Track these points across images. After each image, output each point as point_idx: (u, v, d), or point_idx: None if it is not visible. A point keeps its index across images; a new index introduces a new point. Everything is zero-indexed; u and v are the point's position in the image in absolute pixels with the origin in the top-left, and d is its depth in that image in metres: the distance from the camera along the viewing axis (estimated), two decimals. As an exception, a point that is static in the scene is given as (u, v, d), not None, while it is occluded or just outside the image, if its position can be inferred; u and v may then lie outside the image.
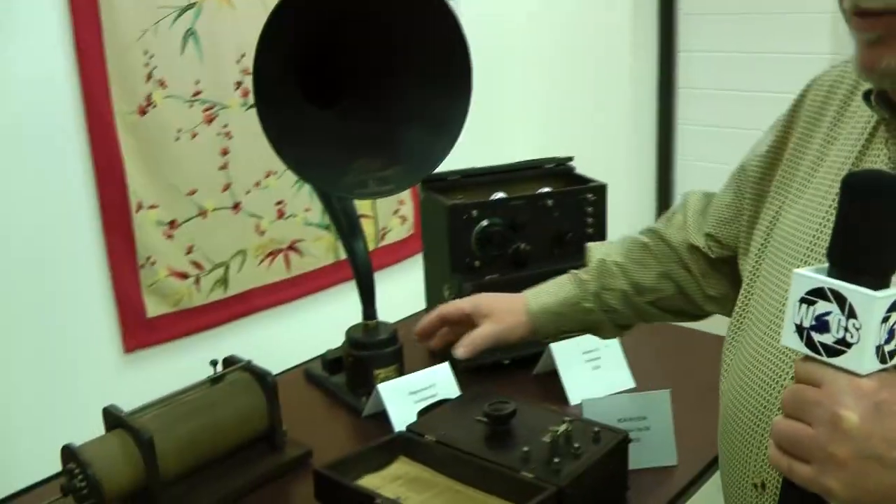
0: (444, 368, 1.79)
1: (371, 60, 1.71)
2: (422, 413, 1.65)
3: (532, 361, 1.89)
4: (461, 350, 1.44)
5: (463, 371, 1.84)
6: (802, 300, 0.77)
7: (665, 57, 3.87)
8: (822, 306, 0.75)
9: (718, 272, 1.39)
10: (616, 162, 3.83)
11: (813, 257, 1.00)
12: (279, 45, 1.50)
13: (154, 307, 3.26)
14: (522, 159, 2.16)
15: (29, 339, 2.99)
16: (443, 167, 1.96)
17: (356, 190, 1.69)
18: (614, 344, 1.84)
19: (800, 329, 0.77)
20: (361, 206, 3.92)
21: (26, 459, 3.06)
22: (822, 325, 0.75)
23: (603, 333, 1.51)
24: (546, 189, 1.98)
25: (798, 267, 0.95)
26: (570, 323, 1.46)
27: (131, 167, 3.07)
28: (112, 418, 1.46)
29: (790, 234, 1.05)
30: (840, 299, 0.74)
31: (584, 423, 1.44)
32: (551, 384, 1.80)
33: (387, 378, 1.83)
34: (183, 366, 3.51)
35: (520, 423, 1.44)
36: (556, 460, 1.31)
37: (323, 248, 3.82)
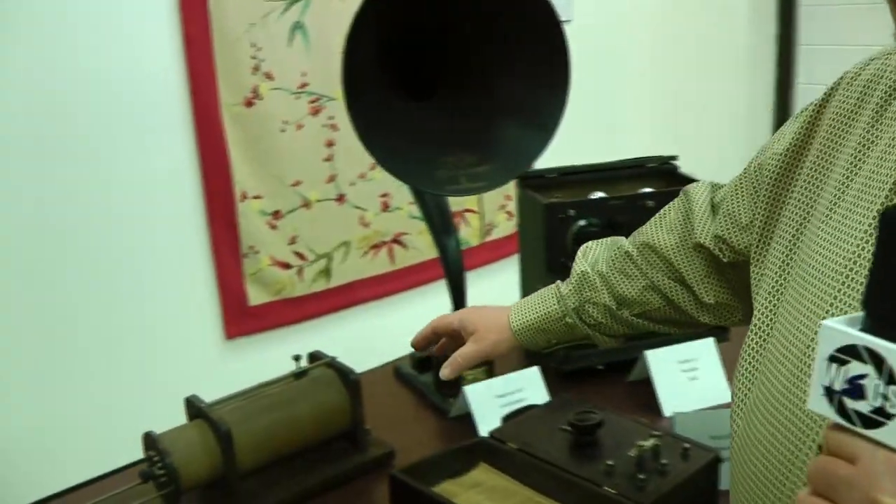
0: (534, 372, 1.74)
1: (468, 52, 1.67)
2: (507, 418, 1.60)
3: (627, 367, 1.81)
4: (445, 371, 1.45)
5: (554, 375, 1.78)
6: (832, 358, 0.64)
7: (784, 51, 3.70)
8: (855, 367, 0.63)
9: (722, 276, 1.24)
10: (727, 162, 3.67)
11: (847, 294, 0.83)
12: (371, 34, 1.47)
13: (256, 296, 3.31)
14: (626, 157, 2.08)
15: (134, 322, 3.07)
16: (540, 164, 1.90)
17: (447, 186, 1.65)
18: (713, 354, 1.75)
19: (829, 392, 0.65)
20: (467, 200, 3.89)
21: (125, 443, 3.14)
22: (856, 389, 0.63)
23: (597, 344, 1.42)
24: (647, 189, 1.90)
25: (829, 305, 0.82)
26: (557, 336, 1.40)
27: (236, 158, 3.11)
28: (193, 408, 1.46)
29: (820, 260, 0.88)
30: (878, 360, 0.61)
31: (673, 438, 1.37)
32: (644, 393, 1.73)
33: (475, 379, 1.79)
34: (283, 354, 3.53)
35: (606, 435, 1.38)
36: (642, 476, 1.24)
37: (427, 242, 3.80)
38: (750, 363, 0.98)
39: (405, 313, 3.85)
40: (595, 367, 1.85)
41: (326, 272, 3.50)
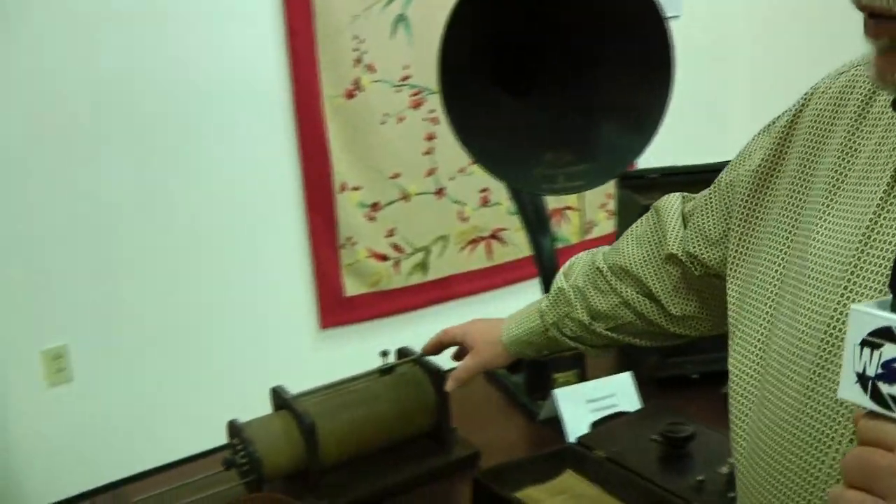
0: (626, 378, 1.69)
1: (569, 47, 1.63)
2: (596, 424, 1.56)
3: (722, 377, 1.74)
4: (449, 384, 1.47)
5: (647, 383, 1.73)
6: (864, 343, 0.63)
7: None
8: (890, 350, 0.61)
9: (690, 289, 1.22)
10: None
11: (854, 289, 0.82)
12: (469, 28, 1.45)
13: (352, 287, 3.32)
14: (730, 158, 2.00)
15: (229, 308, 3.11)
16: (642, 163, 1.85)
17: (544, 185, 1.61)
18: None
19: (863, 379, 0.63)
20: (568, 197, 3.83)
21: (214, 428, 3.19)
22: (891, 373, 0.61)
23: (588, 353, 1.41)
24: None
25: (837, 299, 0.81)
26: (545, 348, 1.39)
27: (336, 149, 3.13)
28: (279, 399, 1.46)
29: (820, 261, 0.87)
30: None
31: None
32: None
33: (566, 383, 1.75)
34: (377, 346, 3.53)
35: (697, 448, 1.33)
36: (732, 495, 1.19)
37: (525, 238, 3.74)
38: (747, 375, 0.94)
39: (501, 309, 3.81)
40: (689, 375, 1.79)
41: (423, 266, 3.49)
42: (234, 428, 1.41)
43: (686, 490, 1.23)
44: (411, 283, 3.46)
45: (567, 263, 1.39)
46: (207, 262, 3.03)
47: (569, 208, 3.84)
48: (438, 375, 1.52)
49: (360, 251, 3.30)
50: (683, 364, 1.78)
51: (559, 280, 1.36)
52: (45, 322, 2.82)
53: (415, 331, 3.50)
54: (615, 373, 1.71)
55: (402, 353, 1.60)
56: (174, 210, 2.95)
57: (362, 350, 3.43)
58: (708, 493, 1.22)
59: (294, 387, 1.50)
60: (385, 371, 1.55)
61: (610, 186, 3.71)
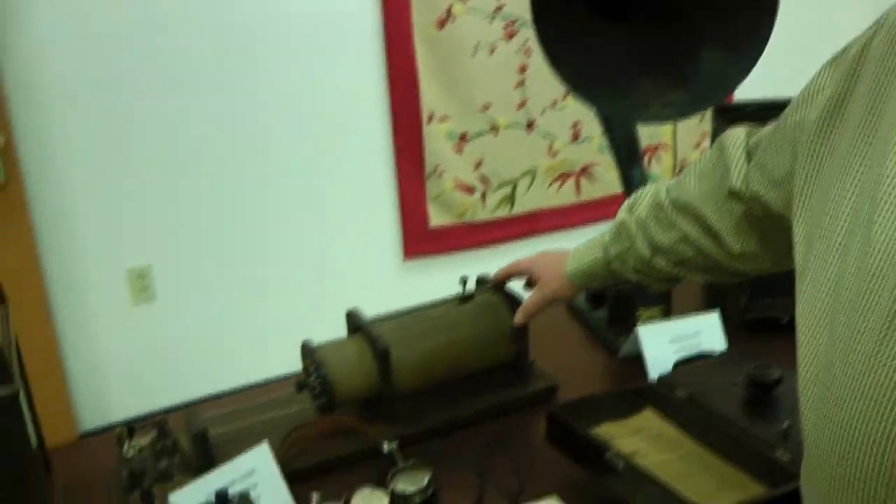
0: (713, 318, 1.62)
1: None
2: (679, 364, 1.50)
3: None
4: (518, 316, 1.46)
5: (734, 323, 1.66)
6: None
7: None
8: None
9: (752, 227, 1.15)
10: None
11: None
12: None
13: (437, 217, 3.30)
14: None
15: (313, 235, 3.12)
16: (740, 95, 1.75)
17: (636, 112, 1.53)
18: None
19: None
20: (661, 134, 3.72)
21: (293, 355, 3.22)
22: None
23: (650, 287, 1.37)
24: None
25: None
26: (611, 280, 1.37)
27: (425, 79, 3.08)
28: (354, 322, 1.44)
29: (893, 199, 0.79)
30: None
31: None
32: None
33: (650, 319, 1.70)
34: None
35: (784, 394, 1.26)
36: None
37: (616, 175, 3.65)
38: (819, 319, 0.85)
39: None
40: (779, 319, 1.71)
41: (510, 199, 3.44)
42: (307, 349, 1.39)
43: (770, 436, 1.17)
44: (497, 216, 3.43)
45: (632, 196, 1.34)
46: (292, 188, 3.03)
47: (661, 147, 3.73)
48: (519, 305, 1.48)
49: (447, 182, 3.27)
50: (774, 306, 1.71)
51: (622, 213, 1.32)
52: (132, 242, 2.86)
53: (499, 264, 3.47)
54: (702, 311, 1.64)
55: (482, 281, 1.56)
56: (261, 137, 2.95)
57: (445, 282, 3.41)
58: (793, 441, 1.15)
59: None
60: (464, 299, 1.51)
61: (706, 124, 3.59)
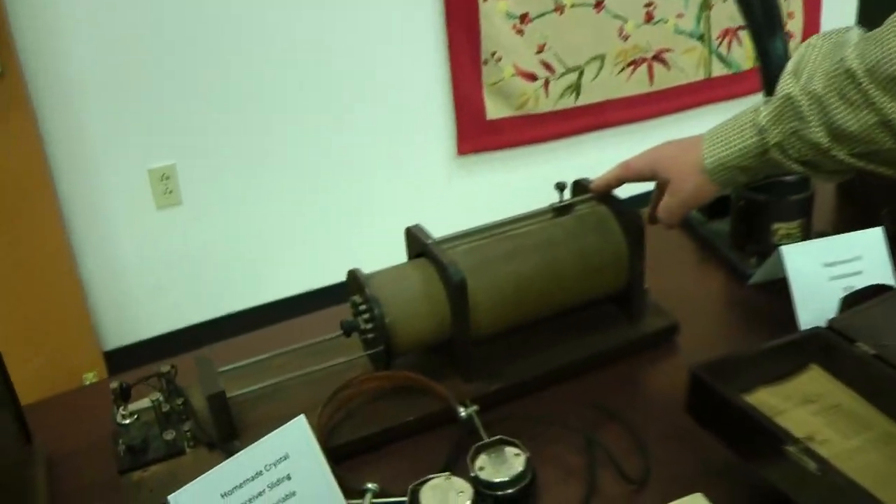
0: (876, 235, 1.24)
1: None
2: (848, 302, 1.13)
3: None
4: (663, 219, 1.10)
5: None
6: None
7: None
8: None
9: None
10: None
11: None
12: None
13: (495, 109, 2.99)
14: None
15: (355, 130, 2.77)
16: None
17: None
18: None
19: None
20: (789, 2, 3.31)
21: (334, 270, 2.91)
22: None
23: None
24: None
25: None
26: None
27: (482, -50, 2.72)
28: (417, 243, 1.08)
29: None
30: None
31: None
32: None
33: (788, 236, 1.33)
34: (519, 177, 3.21)
35: None
36: None
37: (693, 62, 3.31)
38: None
39: (658, 140, 3.40)
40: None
41: (575, 88, 3.11)
42: (356, 280, 1.04)
43: None
44: (561, 107, 3.11)
45: (795, 57, 0.98)
46: (333, 77, 2.67)
47: (788, 15, 3.35)
48: (634, 218, 1.12)
49: (506, 68, 2.94)
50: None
51: (787, 83, 0.96)
52: (153, 139, 2.52)
53: (560, 162, 3.14)
54: (847, 223, 1.27)
55: (581, 186, 1.19)
56: (296, 17, 2.57)
57: (503, 181, 3.09)
58: None
59: (426, 221, 1.12)
60: (560, 210, 1.14)
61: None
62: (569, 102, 3.10)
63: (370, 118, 2.77)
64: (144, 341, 2.73)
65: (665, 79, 3.29)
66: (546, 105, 3.06)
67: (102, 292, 2.63)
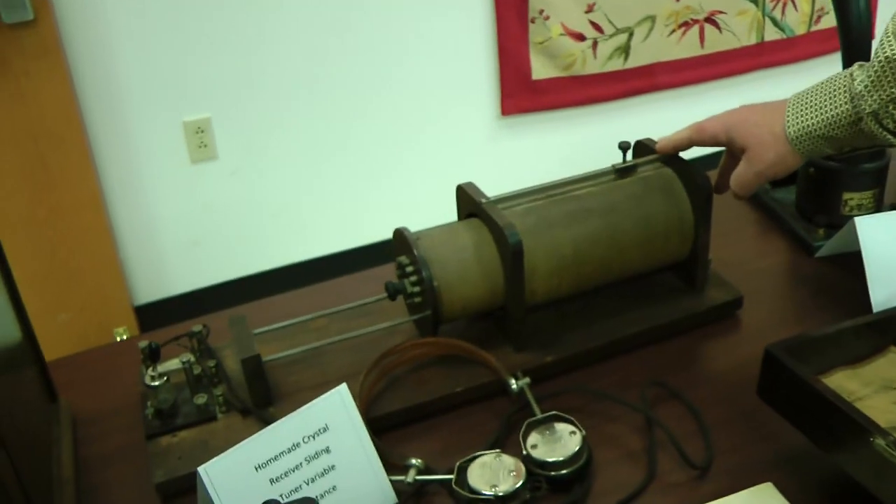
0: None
1: None
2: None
3: None
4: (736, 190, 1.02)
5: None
6: None
7: None
8: None
9: None
10: None
11: None
12: None
13: (541, 68, 2.89)
14: None
15: (396, 86, 2.69)
16: None
17: None
18: None
19: None
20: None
21: (375, 228, 2.84)
22: None
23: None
24: None
25: None
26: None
27: None
28: (469, 202, 1.01)
29: None
30: None
31: None
32: None
33: (860, 207, 1.25)
34: (564, 139, 3.11)
35: None
36: None
37: (745, 25, 3.18)
38: None
39: (711, 107, 3.26)
40: None
41: (624, 50, 2.99)
42: (403, 240, 0.97)
43: None
44: (609, 69, 3.00)
45: (893, 21, 0.87)
46: (375, 30, 2.58)
47: None
48: (703, 182, 1.04)
49: (554, 27, 2.83)
50: None
51: (889, 45, 0.86)
52: (189, 91, 2.46)
53: (607, 125, 3.03)
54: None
55: (643, 147, 1.11)
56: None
57: (548, 143, 2.99)
58: None
59: (472, 181, 1.05)
60: (623, 171, 1.06)
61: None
62: (617, 64, 2.99)
63: (413, 75, 2.68)
64: (177, 297, 2.68)
65: (716, 42, 3.16)
66: (594, 66, 2.95)
67: (135, 246, 2.58)
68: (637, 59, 3.02)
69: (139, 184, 2.51)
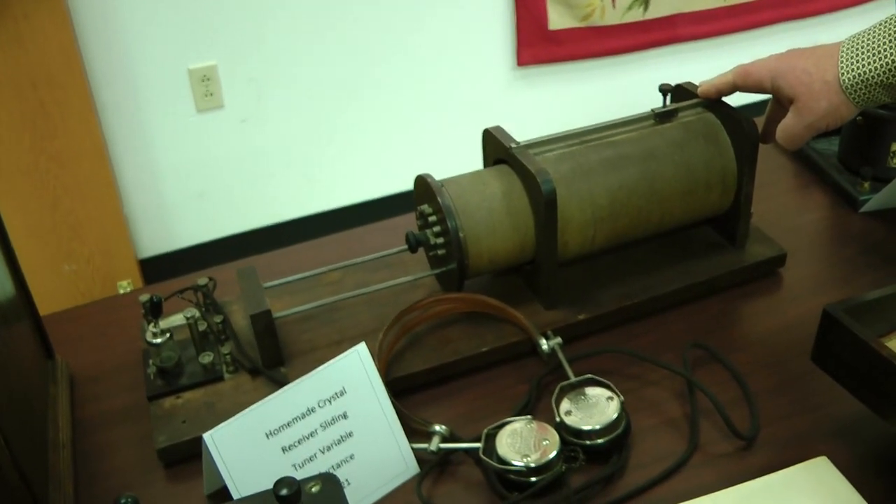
0: None
1: None
2: None
3: None
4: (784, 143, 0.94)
5: None
6: None
7: None
8: None
9: None
10: None
11: None
12: None
13: (558, 19, 2.79)
14: None
15: (409, 36, 2.59)
16: None
17: None
18: None
19: None
20: None
21: (388, 178, 2.76)
22: None
23: None
24: None
25: None
26: None
27: None
28: (497, 147, 0.93)
29: None
30: None
31: None
32: None
33: (908, 159, 1.17)
34: (582, 91, 3.01)
35: None
36: None
37: None
38: None
39: (735, 61, 3.15)
40: None
41: (644, 0, 2.86)
42: (426, 187, 0.90)
43: None
44: (628, 20, 2.90)
45: None
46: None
47: None
48: (749, 129, 0.96)
49: (572, -25, 2.70)
50: None
51: None
52: (194, 37, 2.36)
53: (630, 77, 2.93)
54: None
55: (682, 91, 1.02)
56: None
57: (565, 95, 2.89)
58: None
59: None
60: (663, 116, 0.98)
61: None
62: (637, 15, 2.88)
63: (428, 23, 2.58)
64: (183, 250, 2.61)
65: (741, -8, 3.06)
66: (613, 17, 2.84)
67: (139, 197, 2.50)
68: (657, 9, 2.91)
69: (143, 133, 2.43)
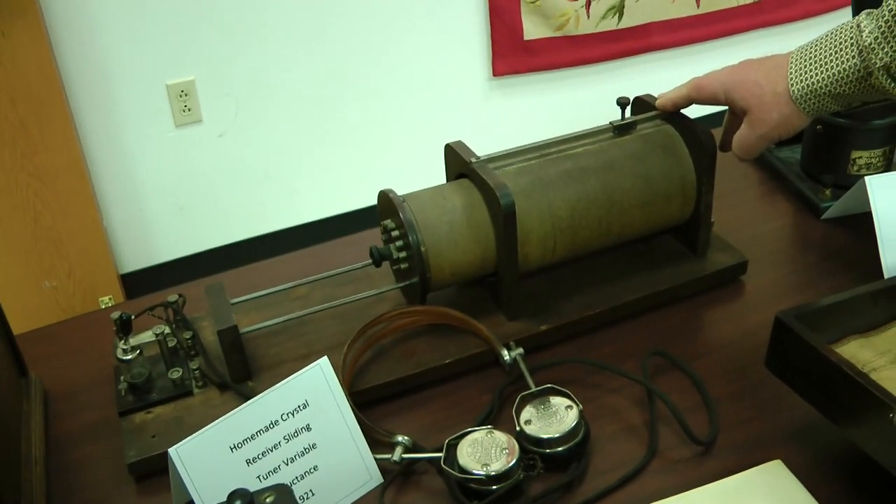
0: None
1: None
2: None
3: None
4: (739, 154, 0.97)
5: None
6: None
7: None
8: None
9: None
10: None
11: None
12: None
13: (533, 28, 2.82)
14: None
15: (386, 49, 2.61)
16: None
17: None
18: None
19: None
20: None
21: (360, 193, 2.78)
22: None
23: None
24: None
25: None
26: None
27: None
28: (458, 161, 0.95)
29: None
30: None
31: None
32: None
33: (869, 166, 1.20)
34: (557, 101, 3.04)
35: None
36: None
37: None
38: None
39: (708, 68, 3.20)
40: None
41: (619, 9, 2.92)
42: (388, 202, 0.92)
43: None
44: (603, 29, 2.93)
45: None
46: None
47: None
48: (706, 140, 0.98)
49: (546, -14, 2.73)
50: None
51: None
52: (172, 52, 2.38)
53: (601, 86, 2.96)
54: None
55: (642, 103, 1.05)
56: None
57: (540, 105, 2.92)
58: None
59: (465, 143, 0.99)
60: (622, 128, 1.00)
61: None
62: (611, 24, 2.91)
63: (403, 35, 2.60)
64: (164, 264, 2.62)
65: (713, 1, 3.09)
66: (587, 27, 2.87)
67: (119, 212, 2.52)
68: (631, 18, 2.94)
69: (122, 149, 2.44)
